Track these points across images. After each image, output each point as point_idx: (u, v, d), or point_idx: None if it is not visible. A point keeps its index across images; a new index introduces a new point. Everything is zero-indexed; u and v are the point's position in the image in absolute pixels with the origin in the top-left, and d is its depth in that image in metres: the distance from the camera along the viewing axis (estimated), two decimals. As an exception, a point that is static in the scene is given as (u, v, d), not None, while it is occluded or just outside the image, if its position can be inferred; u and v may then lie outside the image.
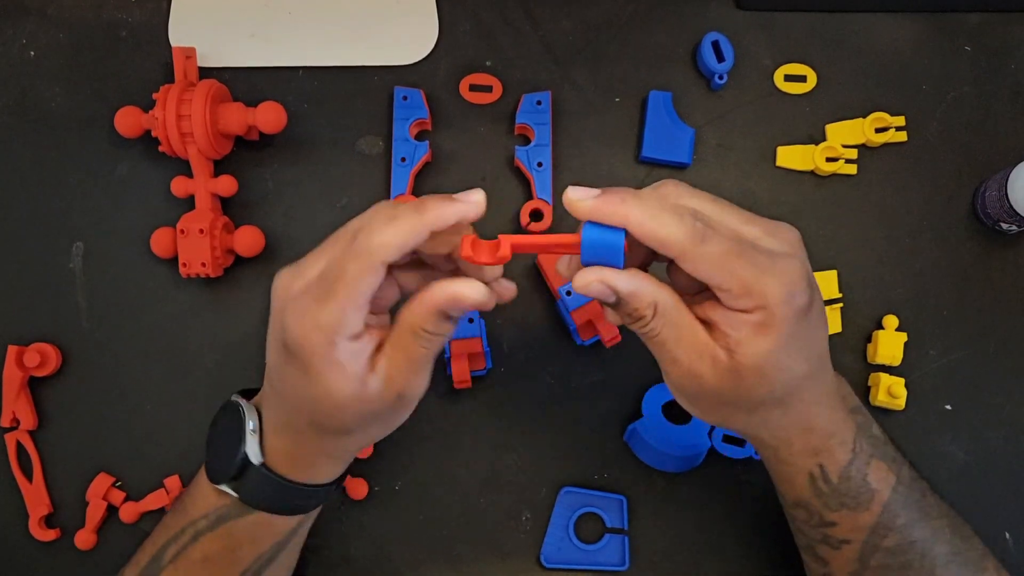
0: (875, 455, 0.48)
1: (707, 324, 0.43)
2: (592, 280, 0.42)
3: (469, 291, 0.42)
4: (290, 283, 0.44)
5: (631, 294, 0.42)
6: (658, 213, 0.40)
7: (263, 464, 0.48)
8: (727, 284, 0.41)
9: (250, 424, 0.48)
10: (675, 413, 0.62)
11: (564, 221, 0.64)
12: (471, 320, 0.59)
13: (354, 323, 0.42)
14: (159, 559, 0.51)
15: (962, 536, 0.51)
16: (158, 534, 0.52)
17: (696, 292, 0.44)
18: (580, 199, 0.41)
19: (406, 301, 0.43)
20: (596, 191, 0.41)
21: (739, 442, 0.61)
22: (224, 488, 0.48)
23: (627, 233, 0.41)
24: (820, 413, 0.47)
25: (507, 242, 0.43)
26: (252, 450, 0.48)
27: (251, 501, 0.49)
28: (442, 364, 0.63)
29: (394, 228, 0.41)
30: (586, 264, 0.42)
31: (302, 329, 0.42)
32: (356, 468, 0.62)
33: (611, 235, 0.41)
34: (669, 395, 0.62)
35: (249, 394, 0.51)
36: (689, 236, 0.40)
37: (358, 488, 0.61)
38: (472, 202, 0.44)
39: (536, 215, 0.63)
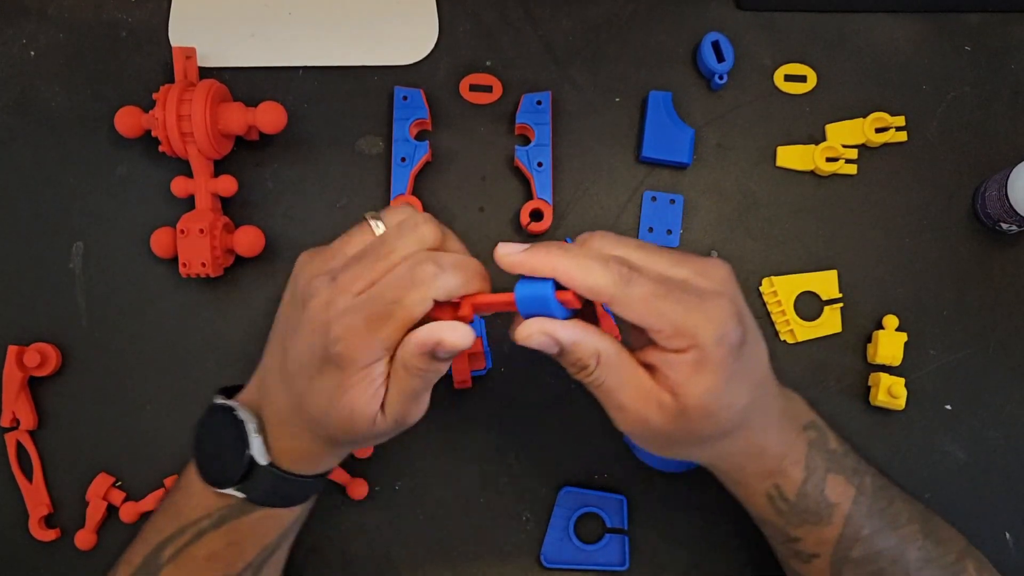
0: (831, 469, 0.49)
1: (650, 368, 0.44)
2: (534, 331, 0.43)
3: (451, 335, 0.43)
4: (333, 297, 0.44)
5: (573, 344, 0.43)
6: (584, 262, 0.42)
7: (271, 463, 0.48)
8: (658, 325, 0.42)
9: (251, 426, 0.48)
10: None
11: (564, 221, 0.64)
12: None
13: (392, 349, 0.44)
14: (156, 558, 0.50)
15: (936, 540, 0.51)
16: (148, 534, 0.52)
17: (645, 343, 0.45)
18: (507, 254, 0.43)
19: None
20: (525, 246, 0.43)
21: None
22: (231, 491, 0.48)
23: (557, 283, 0.43)
24: (769, 436, 0.48)
25: (468, 303, 0.45)
26: (258, 451, 0.48)
27: (260, 500, 0.49)
28: (442, 364, 0.63)
29: (456, 273, 0.44)
30: (526, 318, 0.44)
31: (355, 345, 0.43)
32: (356, 468, 0.62)
33: (540, 287, 0.43)
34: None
35: (229, 392, 0.51)
36: (614, 281, 0.41)
37: (358, 488, 0.61)
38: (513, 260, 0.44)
39: (536, 215, 0.63)
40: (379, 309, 0.43)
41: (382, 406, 0.45)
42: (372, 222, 0.46)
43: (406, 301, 0.43)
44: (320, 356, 0.44)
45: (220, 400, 0.50)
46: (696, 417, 0.44)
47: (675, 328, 0.42)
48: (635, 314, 0.42)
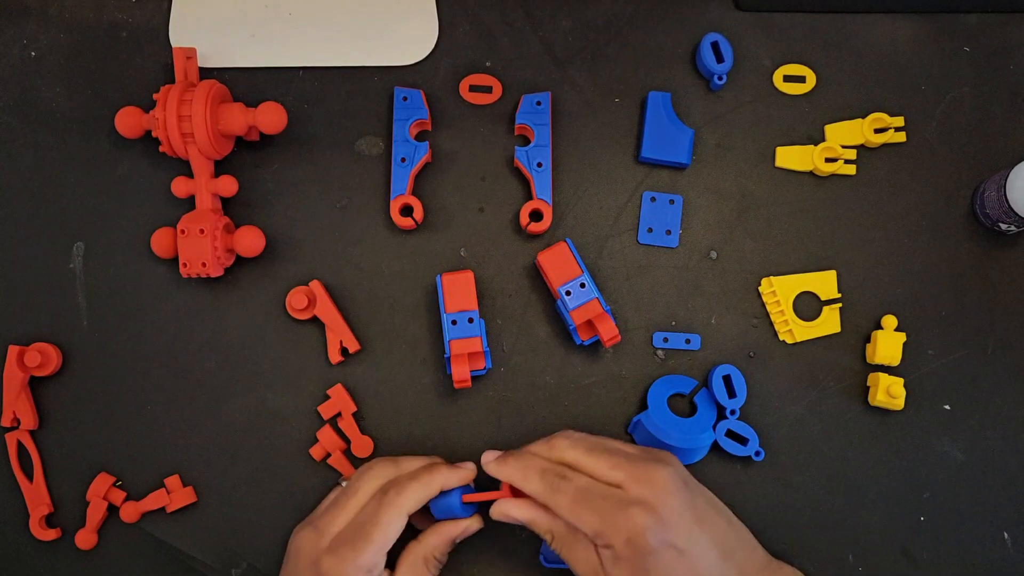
0: None
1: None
2: (497, 513, 0.55)
3: (475, 523, 0.57)
4: (316, 540, 0.54)
5: (529, 522, 0.54)
6: (525, 473, 0.54)
7: None
8: (582, 527, 0.51)
9: None
10: (680, 407, 0.62)
11: (563, 221, 0.65)
12: (471, 320, 0.59)
13: (382, 561, 0.54)
14: None
15: None
16: None
17: None
18: (486, 463, 0.56)
19: (413, 540, 0.56)
20: (498, 454, 0.56)
21: (741, 439, 0.61)
22: None
23: (463, 491, 0.56)
24: None
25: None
26: None
27: None
28: (442, 364, 0.63)
29: (416, 486, 0.54)
30: (439, 519, 0.57)
31: (343, 571, 0.52)
32: (357, 466, 0.62)
33: (453, 497, 0.56)
34: (674, 388, 0.62)
35: None
36: (543, 491, 0.52)
37: (358, 488, 0.61)
38: (468, 469, 0.57)
39: (536, 215, 0.63)
40: (360, 535, 0.52)
41: None
42: (342, 482, 0.59)
43: (382, 521, 0.53)
44: None
45: None
46: None
47: (593, 531, 0.50)
48: (563, 515, 0.52)
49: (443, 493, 0.56)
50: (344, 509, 0.55)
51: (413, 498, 0.54)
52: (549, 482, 0.52)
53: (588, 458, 0.53)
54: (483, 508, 0.57)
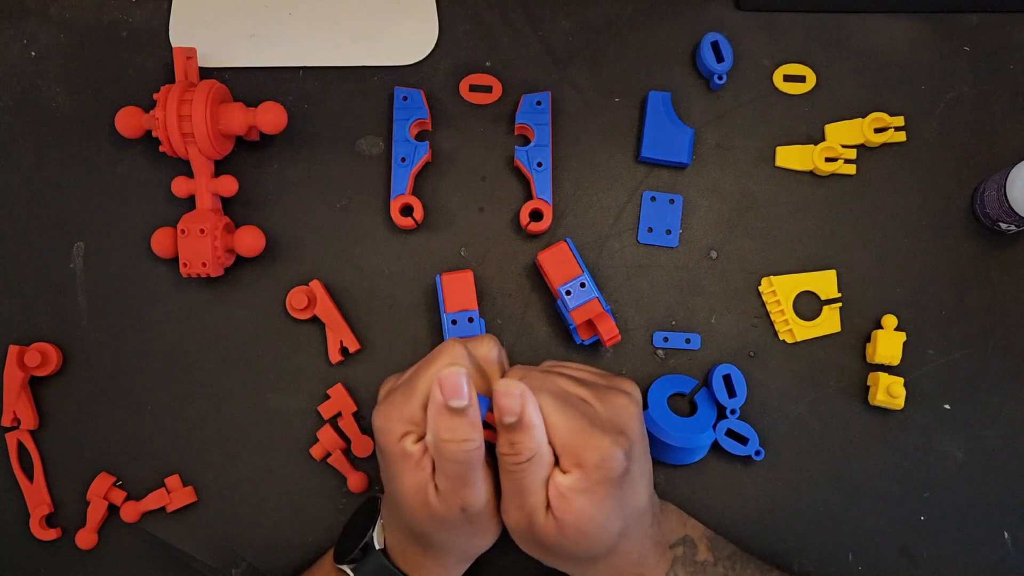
0: None
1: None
2: (518, 391, 0.47)
3: (446, 371, 0.47)
4: (380, 406, 0.51)
5: (530, 424, 0.47)
6: (511, 381, 0.48)
7: (382, 550, 0.54)
8: (551, 436, 0.47)
9: (379, 517, 0.55)
10: (680, 407, 0.62)
11: (563, 221, 0.65)
12: (471, 320, 0.59)
13: (421, 419, 0.49)
14: None
15: None
16: None
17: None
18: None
19: None
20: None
21: (742, 439, 0.61)
22: (345, 568, 0.54)
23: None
24: (636, 563, 0.52)
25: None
26: (375, 537, 0.54)
27: None
28: (442, 364, 0.63)
29: (479, 343, 0.52)
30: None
31: (386, 429, 0.49)
32: (358, 466, 0.62)
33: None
34: (675, 387, 0.62)
35: None
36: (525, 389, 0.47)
37: (358, 480, 0.61)
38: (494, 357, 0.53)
39: (536, 215, 0.63)
40: (405, 392, 0.49)
41: (437, 490, 0.49)
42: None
43: (427, 374, 0.49)
44: (380, 453, 0.52)
45: (377, 493, 0.58)
46: (570, 536, 0.48)
47: (563, 445, 0.47)
48: (563, 431, 0.47)
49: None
50: (412, 375, 0.51)
51: (460, 353, 0.50)
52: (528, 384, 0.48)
53: (559, 367, 0.54)
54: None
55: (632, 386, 0.54)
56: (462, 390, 0.46)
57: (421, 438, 0.49)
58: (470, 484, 0.49)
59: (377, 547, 0.54)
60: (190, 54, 0.64)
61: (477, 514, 0.50)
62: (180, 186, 0.61)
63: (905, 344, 0.62)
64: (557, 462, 0.48)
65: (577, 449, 0.47)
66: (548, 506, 0.48)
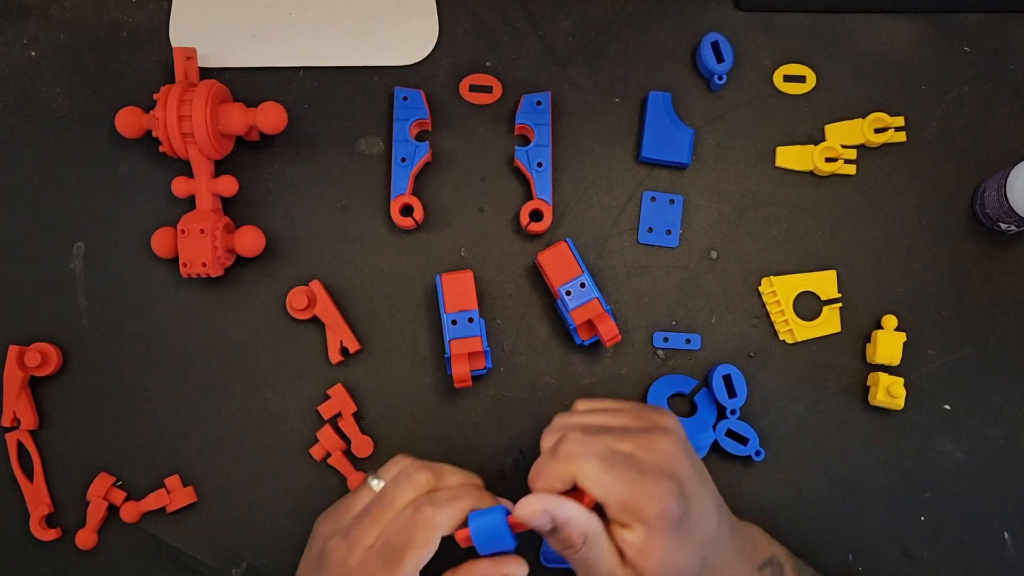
0: None
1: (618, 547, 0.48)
2: (537, 509, 0.47)
3: (517, 570, 0.50)
4: (347, 553, 0.49)
5: (566, 522, 0.47)
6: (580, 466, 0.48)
7: None
8: (606, 499, 0.47)
9: None
10: (680, 407, 0.62)
11: (563, 221, 0.65)
12: (471, 320, 0.59)
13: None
14: None
15: None
16: None
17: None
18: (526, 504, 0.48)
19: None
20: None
21: (742, 439, 0.61)
22: None
23: (507, 511, 0.49)
24: None
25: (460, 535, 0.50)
26: None
27: None
28: (442, 364, 0.63)
29: (453, 507, 0.49)
30: (483, 554, 0.49)
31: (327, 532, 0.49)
32: (358, 466, 0.62)
33: (497, 514, 0.49)
34: (675, 388, 0.62)
35: None
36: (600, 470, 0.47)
37: (357, 480, 0.61)
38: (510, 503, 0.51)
39: (536, 215, 0.63)
40: (392, 555, 0.48)
41: None
42: (372, 481, 0.53)
43: (416, 542, 0.48)
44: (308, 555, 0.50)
45: None
46: None
47: (620, 503, 0.47)
48: (618, 493, 0.47)
49: (485, 511, 0.50)
50: (377, 521, 0.50)
51: (451, 520, 0.49)
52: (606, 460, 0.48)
53: (600, 417, 0.52)
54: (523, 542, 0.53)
55: (671, 420, 0.52)
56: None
57: None
58: None
59: None
60: (190, 54, 0.64)
61: None
62: (180, 186, 0.61)
63: (905, 344, 0.62)
64: (609, 517, 0.48)
65: (634, 505, 0.47)
66: (624, 562, 0.48)
